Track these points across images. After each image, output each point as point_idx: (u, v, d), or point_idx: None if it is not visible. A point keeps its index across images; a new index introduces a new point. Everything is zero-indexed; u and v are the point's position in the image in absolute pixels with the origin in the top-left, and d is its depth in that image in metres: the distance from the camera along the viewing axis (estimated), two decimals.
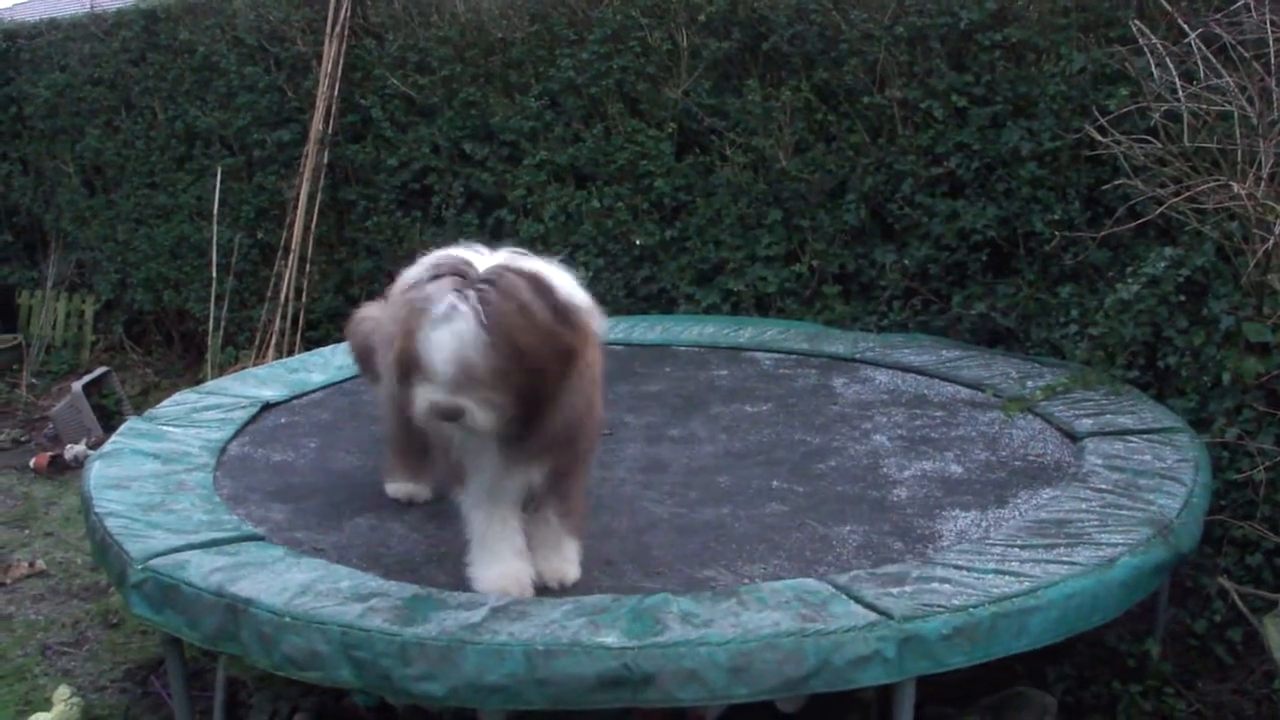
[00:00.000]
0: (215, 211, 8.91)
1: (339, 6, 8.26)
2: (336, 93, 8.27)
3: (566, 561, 3.55)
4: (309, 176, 8.35)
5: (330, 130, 8.31)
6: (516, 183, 7.57)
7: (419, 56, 8.00)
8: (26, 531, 6.54)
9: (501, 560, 3.44)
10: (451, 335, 2.91)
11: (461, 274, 3.00)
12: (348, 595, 3.36)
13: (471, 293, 2.93)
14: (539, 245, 3.91)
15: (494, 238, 7.42)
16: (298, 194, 8.40)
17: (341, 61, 8.25)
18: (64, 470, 7.63)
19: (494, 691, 3.02)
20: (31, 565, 5.97)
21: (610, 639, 3.03)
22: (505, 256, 3.16)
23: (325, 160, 8.37)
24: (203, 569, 3.57)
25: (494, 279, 2.98)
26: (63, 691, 4.57)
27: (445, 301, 2.94)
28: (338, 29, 8.23)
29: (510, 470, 3.32)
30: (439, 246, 3.35)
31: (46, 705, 4.55)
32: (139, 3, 9.62)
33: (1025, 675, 4.13)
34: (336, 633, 3.17)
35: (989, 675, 3.77)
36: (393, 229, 8.15)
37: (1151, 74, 5.04)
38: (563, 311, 3.04)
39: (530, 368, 2.96)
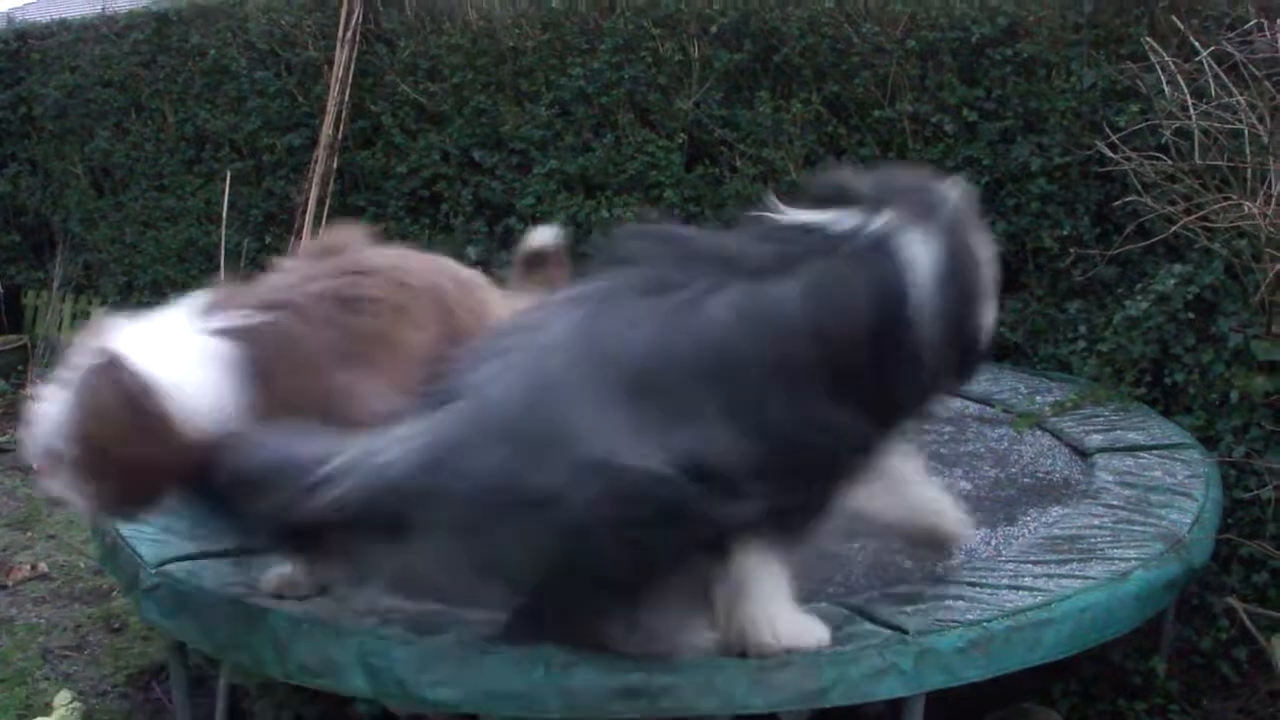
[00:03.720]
0: (224, 215, 8.89)
1: (350, 12, 8.24)
2: (347, 98, 8.25)
3: None
4: (318, 182, 8.33)
5: (340, 136, 8.30)
6: (526, 191, 7.55)
7: (430, 63, 8.00)
8: (29, 534, 6.52)
9: None
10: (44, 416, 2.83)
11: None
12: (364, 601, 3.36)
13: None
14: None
15: (503, 246, 7.43)
16: (306, 199, 8.38)
17: (352, 67, 8.23)
18: None
19: (511, 699, 3.02)
20: (33, 568, 5.96)
21: None
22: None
23: (335, 166, 8.35)
24: (218, 575, 3.57)
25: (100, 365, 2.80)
26: (63, 696, 4.55)
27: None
28: (349, 34, 8.22)
29: None
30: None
31: (47, 710, 4.52)
32: (151, 5, 9.63)
33: (1031, 692, 4.13)
34: (353, 640, 3.18)
35: (996, 692, 3.76)
36: (401, 236, 8.08)
37: (1163, 91, 5.06)
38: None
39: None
